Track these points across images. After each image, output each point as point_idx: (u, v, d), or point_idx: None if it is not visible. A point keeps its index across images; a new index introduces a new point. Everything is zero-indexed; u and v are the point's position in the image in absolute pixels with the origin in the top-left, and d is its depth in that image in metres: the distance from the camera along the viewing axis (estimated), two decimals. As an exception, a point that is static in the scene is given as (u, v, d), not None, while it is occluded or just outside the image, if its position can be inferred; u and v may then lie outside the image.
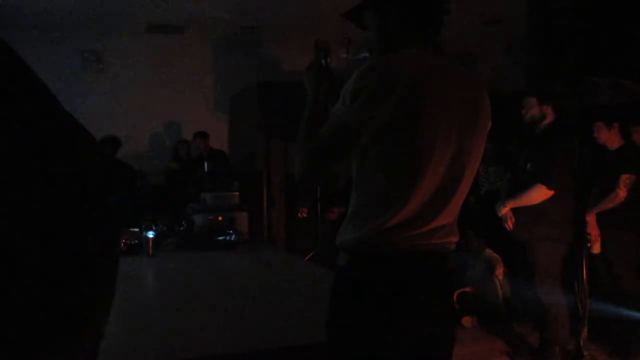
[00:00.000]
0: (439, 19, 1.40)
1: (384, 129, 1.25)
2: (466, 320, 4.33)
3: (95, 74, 5.89)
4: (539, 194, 3.32)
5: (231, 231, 3.64)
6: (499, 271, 4.58)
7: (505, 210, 3.53)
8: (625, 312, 3.50)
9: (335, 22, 2.11)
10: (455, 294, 3.80)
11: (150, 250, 3.25)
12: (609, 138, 3.79)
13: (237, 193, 4.27)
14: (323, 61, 1.56)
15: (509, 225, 3.53)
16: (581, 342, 3.25)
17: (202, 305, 2.16)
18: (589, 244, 3.59)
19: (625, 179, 3.63)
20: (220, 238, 3.57)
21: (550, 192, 3.29)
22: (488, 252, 4.71)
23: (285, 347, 1.60)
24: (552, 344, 3.43)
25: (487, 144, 1.45)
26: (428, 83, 1.26)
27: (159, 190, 5.94)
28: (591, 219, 3.73)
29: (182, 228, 3.88)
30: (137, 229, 3.51)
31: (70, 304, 0.50)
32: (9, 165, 0.44)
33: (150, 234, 3.26)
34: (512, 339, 4.11)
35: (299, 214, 5.92)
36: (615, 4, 2.51)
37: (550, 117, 3.46)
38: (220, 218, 3.88)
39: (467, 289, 4.49)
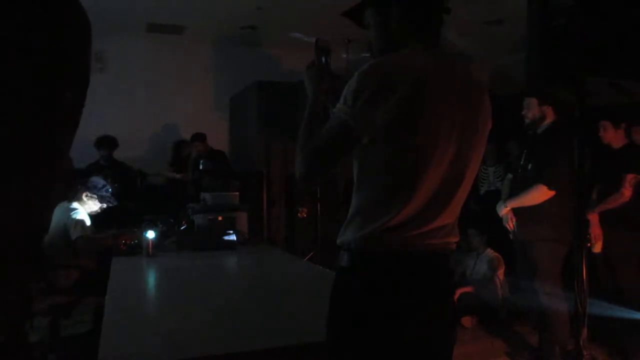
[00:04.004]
0: (440, 18, 1.40)
1: (386, 129, 1.25)
2: (466, 320, 4.33)
3: (95, 74, 5.89)
4: (540, 194, 3.32)
5: (231, 231, 3.64)
6: (500, 271, 4.59)
7: (506, 210, 3.54)
8: (625, 312, 3.50)
9: (336, 21, 2.11)
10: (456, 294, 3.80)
11: (150, 250, 3.25)
12: (615, 138, 3.80)
13: (237, 193, 4.27)
14: (323, 61, 1.56)
15: (510, 225, 3.53)
16: (581, 342, 3.25)
17: (201, 305, 2.16)
18: (589, 244, 3.59)
19: (630, 179, 3.63)
20: (220, 238, 3.57)
21: (551, 193, 3.29)
22: (489, 251, 4.71)
23: (285, 347, 1.59)
24: (552, 344, 3.43)
25: (487, 144, 1.45)
26: (429, 83, 1.26)
27: (159, 190, 5.94)
28: (594, 218, 3.73)
29: (182, 228, 3.88)
30: (137, 229, 3.51)
31: None
32: None
33: (150, 234, 3.26)
34: (512, 339, 4.12)
35: (299, 214, 5.92)
36: (615, 3, 2.51)
37: (550, 118, 3.46)
38: (220, 218, 3.87)
39: (467, 289, 4.50)
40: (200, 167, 5.68)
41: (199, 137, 5.84)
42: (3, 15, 0.44)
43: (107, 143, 5.44)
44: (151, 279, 2.92)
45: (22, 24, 0.45)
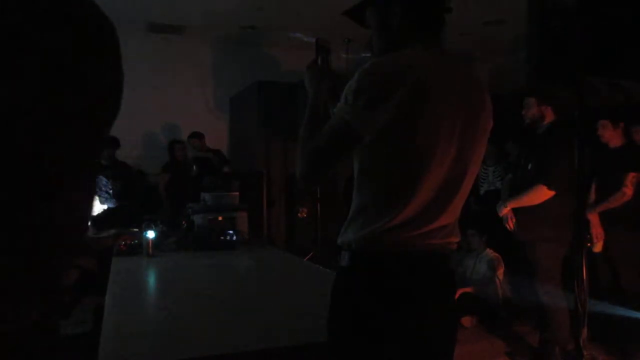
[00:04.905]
0: (441, 18, 1.40)
1: (387, 129, 1.25)
2: (466, 320, 4.33)
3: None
4: (540, 195, 3.33)
5: (231, 231, 3.64)
6: (500, 271, 4.59)
7: (506, 210, 3.54)
8: (625, 312, 3.50)
9: (336, 21, 2.11)
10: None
11: (150, 250, 3.25)
12: (613, 137, 3.80)
13: (237, 193, 4.27)
14: (324, 60, 1.56)
15: (510, 225, 3.53)
16: (581, 342, 3.25)
17: (201, 305, 2.15)
18: (589, 244, 3.59)
19: (632, 177, 3.63)
20: (220, 238, 3.57)
21: (551, 193, 3.29)
22: (489, 251, 4.72)
23: (285, 347, 1.59)
24: (552, 344, 3.44)
25: (487, 144, 1.45)
26: (431, 83, 1.26)
27: (159, 190, 5.94)
28: (594, 217, 3.73)
29: (182, 228, 3.88)
30: (137, 229, 3.50)
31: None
32: None
33: (150, 234, 3.26)
34: (512, 339, 4.12)
35: (299, 214, 5.92)
36: (615, 3, 2.51)
37: (549, 117, 3.46)
38: (220, 218, 3.87)
39: (467, 289, 4.50)
40: (194, 169, 5.71)
41: (196, 136, 5.84)
42: (20, 16, 0.45)
43: (109, 143, 5.43)
44: (151, 279, 2.92)
45: (39, 25, 0.46)
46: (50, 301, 0.54)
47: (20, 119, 0.45)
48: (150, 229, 3.28)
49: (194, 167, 5.84)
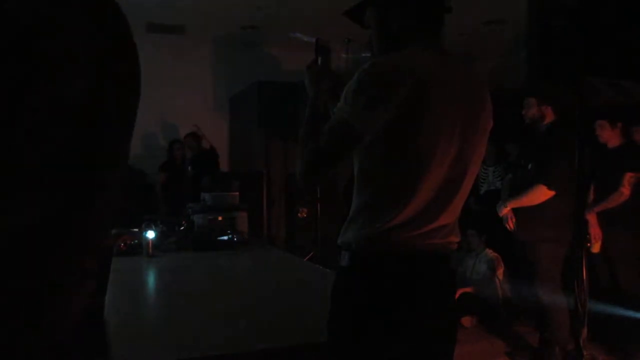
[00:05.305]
0: (441, 17, 1.40)
1: (386, 129, 1.25)
2: (466, 320, 4.33)
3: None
4: (540, 195, 3.33)
5: (231, 231, 3.63)
6: (500, 271, 4.59)
7: (506, 210, 3.54)
8: (625, 312, 3.50)
9: (336, 21, 2.11)
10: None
11: (150, 250, 3.24)
12: (611, 137, 3.80)
13: (237, 193, 4.27)
14: (324, 60, 1.56)
15: (510, 225, 3.53)
16: (581, 342, 3.25)
17: (201, 305, 2.15)
18: (588, 244, 3.59)
19: (629, 177, 3.63)
20: (220, 238, 3.57)
21: (551, 193, 3.29)
22: (489, 251, 4.72)
23: (285, 347, 1.59)
24: (552, 344, 3.44)
25: (487, 144, 1.45)
26: (431, 83, 1.26)
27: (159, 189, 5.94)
28: (592, 218, 3.73)
29: (182, 228, 3.87)
30: (137, 229, 3.50)
31: None
32: None
33: (150, 234, 3.25)
34: (512, 339, 4.12)
35: (299, 214, 5.92)
36: (614, 3, 2.51)
37: (550, 117, 3.46)
38: (220, 218, 3.87)
39: (467, 289, 4.50)
40: (189, 168, 5.72)
41: (192, 135, 5.85)
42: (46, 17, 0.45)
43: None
44: (151, 279, 2.92)
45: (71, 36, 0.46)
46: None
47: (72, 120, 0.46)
48: (150, 229, 3.28)
49: (190, 167, 5.84)
